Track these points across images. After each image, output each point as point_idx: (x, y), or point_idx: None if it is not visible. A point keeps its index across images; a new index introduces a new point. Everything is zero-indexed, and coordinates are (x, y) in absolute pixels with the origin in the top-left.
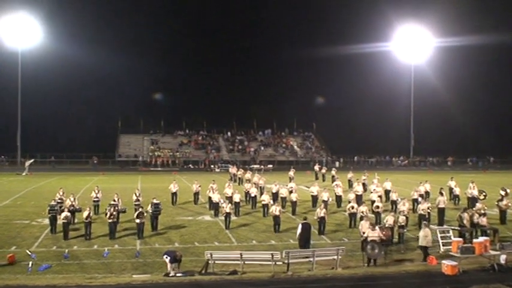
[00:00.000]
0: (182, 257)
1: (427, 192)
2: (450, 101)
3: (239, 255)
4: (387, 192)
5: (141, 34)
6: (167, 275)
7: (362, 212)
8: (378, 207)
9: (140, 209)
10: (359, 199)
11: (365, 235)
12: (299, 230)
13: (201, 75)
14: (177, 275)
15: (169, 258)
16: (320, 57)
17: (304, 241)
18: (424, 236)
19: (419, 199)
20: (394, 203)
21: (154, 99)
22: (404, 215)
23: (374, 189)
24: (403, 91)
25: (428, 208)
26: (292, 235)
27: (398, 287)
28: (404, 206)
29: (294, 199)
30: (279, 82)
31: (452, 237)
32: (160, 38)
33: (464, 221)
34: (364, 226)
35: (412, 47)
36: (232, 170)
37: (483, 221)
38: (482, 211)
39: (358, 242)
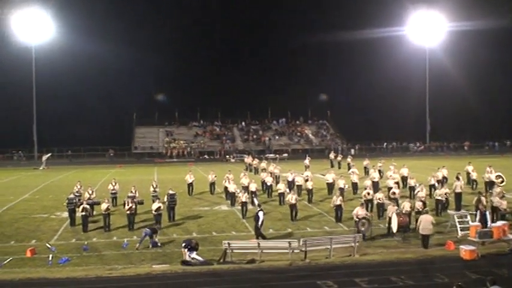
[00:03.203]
0: (198, 245)
1: (444, 178)
2: (466, 85)
3: (257, 244)
4: (404, 178)
5: (155, 26)
6: (185, 262)
7: (378, 199)
8: (394, 193)
9: (157, 201)
10: (375, 186)
11: (354, 213)
12: (262, 218)
13: (214, 66)
14: (195, 258)
15: (186, 245)
16: (333, 43)
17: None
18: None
19: (437, 184)
20: (411, 189)
21: (168, 92)
22: (421, 201)
23: (391, 176)
24: (418, 76)
25: (445, 193)
26: (309, 223)
27: (417, 272)
28: (422, 192)
29: (310, 187)
30: (293, 70)
31: (470, 222)
32: (174, 29)
33: (481, 205)
34: (390, 210)
35: (426, 31)
36: (248, 159)
37: (503, 204)
38: (501, 195)
39: (376, 228)
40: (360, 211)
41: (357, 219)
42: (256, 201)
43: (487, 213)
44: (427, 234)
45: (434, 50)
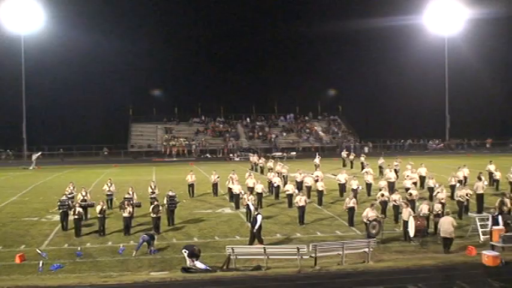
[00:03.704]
0: (201, 252)
1: (465, 178)
2: (488, 77)
3: (262, 250)
4: (422, 178)
5: (153, 17)
6: (185, 269)
7: (394, 201)
8: (411, 194)
9: (156, 203)
10: (391, 187)
11: (364, 215)
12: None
13: (216, 58)
14: (197, 265)
15: (187, 252)
16: (345, 32)
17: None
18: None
19: (458, 185)
20: (430, 190)
21: (167, 85)
22: (440, 203)
23: (408, 176)
24: (437, 68)
25: (466, 194)
26: (319, 227)
27: (435, 280)
28: (442, 193)
29: (320, 188)
30: (301, 62)
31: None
32: (174, 20)
33: (504, 207)
34: (405, 214)
35: (445, 20)
36: (253, 158)
37: None
38: None
39: (391, 233)
40: (370, 212)
41: (367, 222)
42: (252, 207)
43: (499, 217)
44: (448, 237)
45: (453, 40)
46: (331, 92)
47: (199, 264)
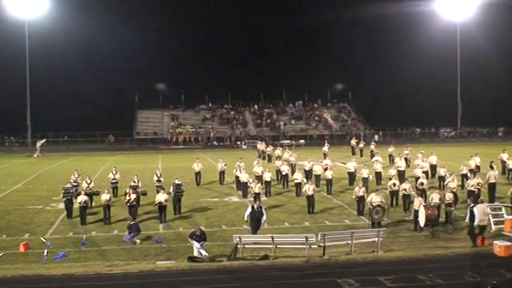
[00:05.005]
0: (205, 234)
1: (477, 167)
2: (501, 64)
3: (270, 239)
4: (433, 167)
5: (160, 2)
6: (192, 258)
7: (404, 190)
8: (422, 183)
9: (162, 191)
10: (401, 175)
11: (369, 200)
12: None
13: (224, 44)
14: (202, 253)
15: (193, 238)
16: (355, 18)
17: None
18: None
19: (469, 174)
20: (441, 179)
21: (173, 71)
22: (451, 192)
23: (418, 164)
24: (449, 54)
25: (478, 184)
26: (328, 216)
27: (446, 270)
28: (453, 183)
29: (329, 177)
30: (310, 47)
31: (504, 215)
32: (181, 5)
33: None
34: (416, 203)
35: (457, 4)
36: (261, 146)
37: None
38: None
39: (401, 222)
40: (374, 197)
41: (371, 207)
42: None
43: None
44: (483, 226)
45: (466, 25)
46: (340, 78)
47: (202, 250)
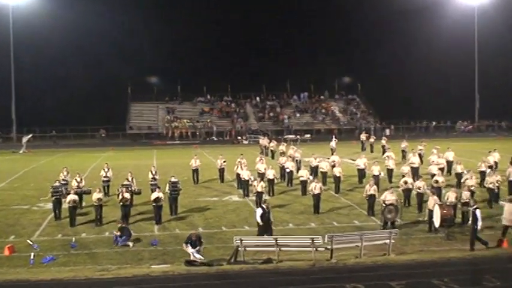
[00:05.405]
0: (201, 239)
1: (496, 163)
2: None
3: (274, 241)
4: (449, 163)
5: None
6: (189, 262)
7: (419, 188)
8: (437, 181)
9: (157, 190)
10: (415, 172)
11: (382, 198)
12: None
13: (222, 31)
14: (197, 256)
15: (188, 242)
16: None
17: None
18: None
19: (488, 171)
20: (458, 176)
21: (169, 61)
22: (469, 190)
23: (433, 161)
24: (466, 42)
25: (497, 181)
26: (335, 216)
27: (463, 274)
28: (471, 180)
29: (338, 174)
30: (315, 35)
31: None
32: None
33: None
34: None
35: None
36: (263, 141)
37: None
38: None
39: (415, 224)
40: (388, 196)
41: (384, 205)
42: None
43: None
44: (507, 226)
45: (484, 10)
46: (349, 68)
47: (197, 255)
